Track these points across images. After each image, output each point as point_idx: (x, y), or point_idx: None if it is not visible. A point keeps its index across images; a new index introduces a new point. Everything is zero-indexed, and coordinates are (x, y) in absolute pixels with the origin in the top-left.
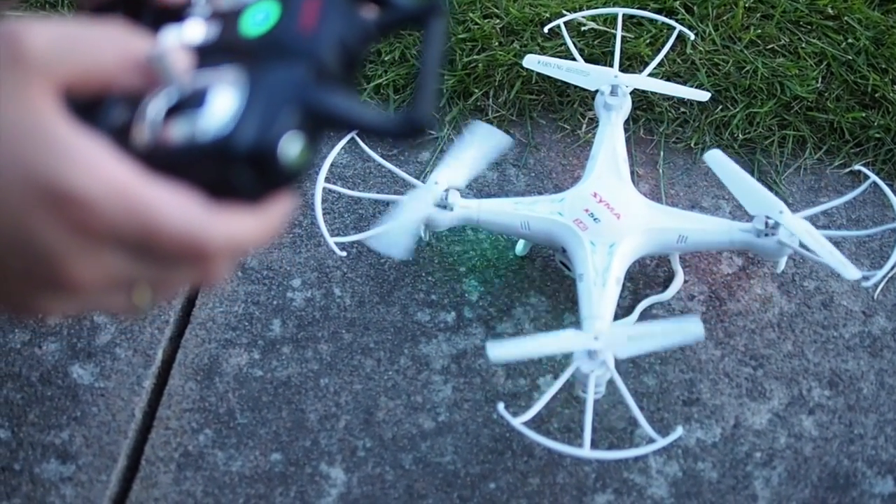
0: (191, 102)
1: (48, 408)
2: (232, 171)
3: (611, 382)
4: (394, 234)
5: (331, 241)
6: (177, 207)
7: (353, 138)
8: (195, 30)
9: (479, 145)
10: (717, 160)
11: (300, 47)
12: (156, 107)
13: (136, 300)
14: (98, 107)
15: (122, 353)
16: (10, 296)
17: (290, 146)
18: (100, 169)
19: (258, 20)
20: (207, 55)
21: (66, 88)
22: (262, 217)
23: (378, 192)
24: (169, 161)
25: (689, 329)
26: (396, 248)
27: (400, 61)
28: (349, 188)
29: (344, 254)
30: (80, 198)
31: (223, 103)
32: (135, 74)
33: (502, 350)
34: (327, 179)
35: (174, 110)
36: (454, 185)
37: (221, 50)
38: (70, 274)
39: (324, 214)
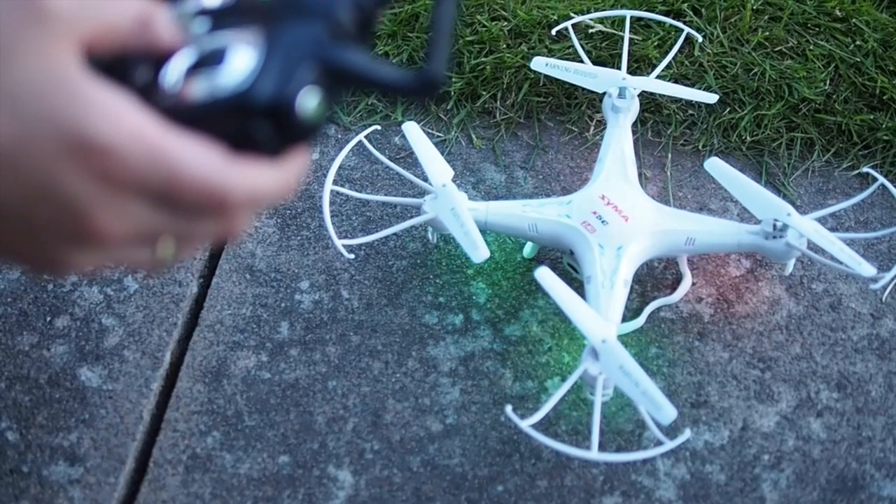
0: (210, 61)
1: (56, 410)
2: (251, 124)
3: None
4: (466, 241)
5: (338, 243)
6: (198, 157)
7: (360, 142)
8: None
9: (422, 140)
10: (718, 168)
11: (316, 7)
12: (177, 65)
13: (161, 254)
14: (122, 66)
15: (130, 356)
16: (39, 250)
17: (308, 100)
18: (123, 119)
19: None
20: (226, 17)
21: (87, 46)
22: (281, 170)
23: (386, 195)
24: (190, 116)
25: (664, 406)
26: (476, 251)
27: (408, 63)
28: (357, 191)
29: (352, 256)
30: (104, 146)
31: (242, 60)
32: (153, 34)
33: (548, 279)
34: (335, 182)
35: (195, 68)
36: (450, 178)
37: (239, 12)
38: (96, 224)
39: (332, 217)
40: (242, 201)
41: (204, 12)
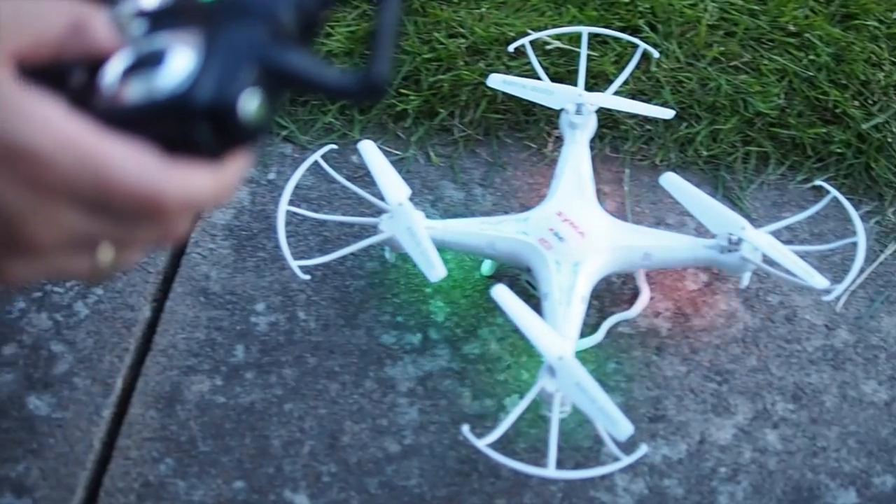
0: (148, 62)
1: (3, 440)
2: (190, 126)
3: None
4: (422, 260)
5: (294, 264)
6: (131, 161)
7: (317, 161)
8: None
9: (378, 159)
10: (673, 183)
11: (257, 8)
12: (114, 67)
13: (101, 261)
14: (58, 71)
15: (81, 383)
16: None
17: (249, 102)
18: (52, 124)
19: None
20: (164, 19)
21: (20, 56)
22: (220, 174)
23: (343, 214)
24: (127, 118)
25: (620, 422)
26: (433, 270)
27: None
28: (314, 210)
29: (308, 277)
30: (32, 153)
31: (181, 62)
32: (89, 37)
33: (504, 297)
34: (292, 202)
35: (132, 70)
36: (406, 196)
37: (178, 14)
38: (29, 232)
39: (288, 237)
40: (178, 205)
41: (142, 14)
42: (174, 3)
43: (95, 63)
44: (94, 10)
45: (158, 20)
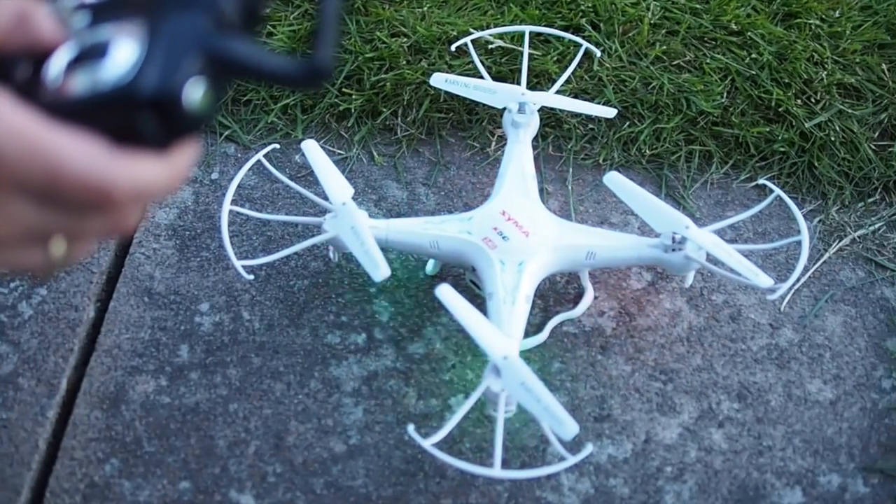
0: (92, 54)
1: None
2: (136, 117)
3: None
4: (366, 260)
5: (238, 264)
6: (80, 152)
7: (260, 160)
8: None
9: (321, 158)
10: (617, 182)
11: None
12: (58, 60)
13: (53, 254)
14: (3, 66)
15: (25, 383)
16: None
17: (194, 91)
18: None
19: None
20: (107, 11)
21: None
22: (168, 163)
23: (287, 214)
24: (73, 111)
25: (566, 422)
26: (377, 270)
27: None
28: (257, 210)
29: (251, 277)
30: None
31: (124, 53)
32: (32, 30)
33: (449, 296)
34: (235, 202)
35: (76, 63)
36: (349, 196)
37: (120, 5)
38: None
39: (232, 237)
40: (128, 195)
41: (84, 6)
42: None
43: (40, 56)
44: (38, 3)
45: (101, 12)
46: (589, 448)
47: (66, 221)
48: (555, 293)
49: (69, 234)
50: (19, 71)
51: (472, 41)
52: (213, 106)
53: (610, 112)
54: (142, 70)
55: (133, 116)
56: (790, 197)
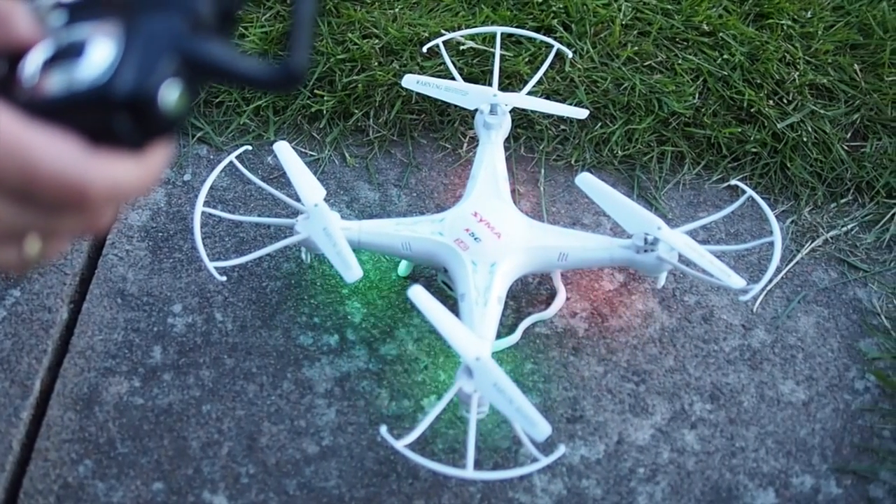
0: (68, 54)
1: None
2: (111, 117)
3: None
4: (338, 261)
5: (210, 265)
6: (55, 149)
7: (232, 162)
8: None
9: (293, 160)
10: (589, 183)
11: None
12: (34, 59)
13: (28, 252)
14: None
15: None
16: None
17: (169, 93)
18: None
19: None
20: (83, 10)
21: None
22: (143, 163)
23: (259, 216)
24: (49, 109)
25: (538, 423)
26: (349, 271)
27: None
28: (230, 211)
29: (224, 278)
30: None
31: (101, 53)
32: (9, 28)
33: (421, 298)
34: (207, 203)
35: (52, 61)
36: (321, 197)
37: (97, 5)
38: None
39: (204, 238)
40: (103, 195)
41: (61, 5)
42: None
43: (17, 54)
44: (15, 1)
45: (78, 11)
46: (561, 449)
47: (40, 220)
48: (527, 294)
49: (44, 233)
50: None
51: (444, 42)
52: (188, 107)
53: (582, 113)
54: (118, 71)
55: (108, 117)
56: (762, 198)
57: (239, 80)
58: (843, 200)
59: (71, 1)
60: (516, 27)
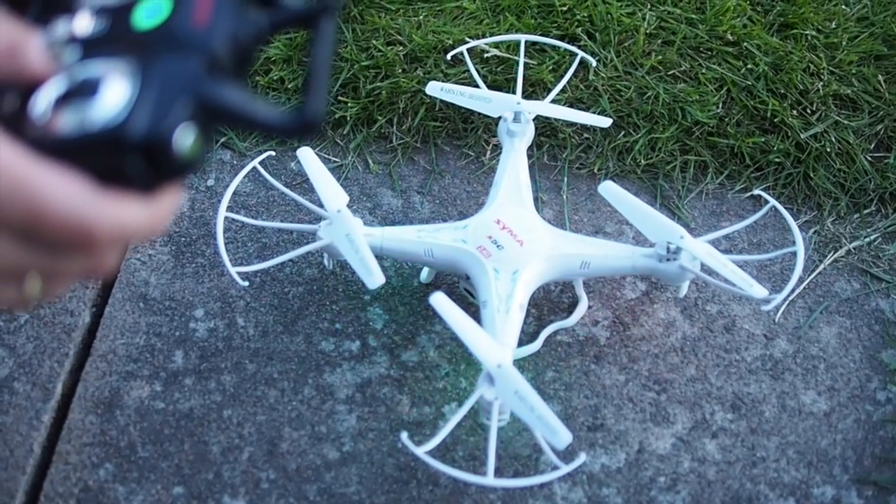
0: (82, 92)
1: None
2: (124, 159)
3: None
4: (360, 267)
5: (233, 270)
6: (63, 190)
7: (255, 167)
8: (85, 22)
9: (316, 166)
10: (612, 192)
11: (193, 41)
12: (46, 95)
13: (28, 291)
14: None
15: (21, 388)
16: None
17: (184, 137)
18: None
19: (150, 14)
20: (98, 47)
21: None
22: (152, 207)
23: (282, 221)
24: (59, 148)
25: (559, 431)
26: (371, 277)
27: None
28: (252, 217)
29: (246, 283)
30: None
31: (115, 93)
32: (22, 62)
33: (443, 304)
34: (230, 208)
35: (65, 99)
36: (344, 204)
37: (113, 42)
38: None
39: (227, 244)
40: (109, 237)
41: (75, 40)
42: (108, 30)
43: (28, 88)
44: (29, 33)
45: (92, 47)
46: (582, 457)
47: (44, 260)
48: (549, 302)
49: (46, 273)
50: (5, 102)
51: (468, 50)
52: (203, 152)
53: (605, 122)
54: (132, 112)
55: (121, 159)
56: (785, 208)
57: (255, 126)
58: (866, 211)
59: (85, 36)
60: (540, 35)
